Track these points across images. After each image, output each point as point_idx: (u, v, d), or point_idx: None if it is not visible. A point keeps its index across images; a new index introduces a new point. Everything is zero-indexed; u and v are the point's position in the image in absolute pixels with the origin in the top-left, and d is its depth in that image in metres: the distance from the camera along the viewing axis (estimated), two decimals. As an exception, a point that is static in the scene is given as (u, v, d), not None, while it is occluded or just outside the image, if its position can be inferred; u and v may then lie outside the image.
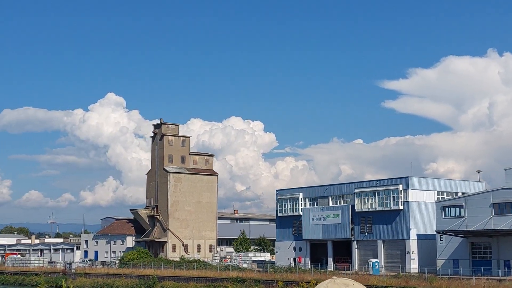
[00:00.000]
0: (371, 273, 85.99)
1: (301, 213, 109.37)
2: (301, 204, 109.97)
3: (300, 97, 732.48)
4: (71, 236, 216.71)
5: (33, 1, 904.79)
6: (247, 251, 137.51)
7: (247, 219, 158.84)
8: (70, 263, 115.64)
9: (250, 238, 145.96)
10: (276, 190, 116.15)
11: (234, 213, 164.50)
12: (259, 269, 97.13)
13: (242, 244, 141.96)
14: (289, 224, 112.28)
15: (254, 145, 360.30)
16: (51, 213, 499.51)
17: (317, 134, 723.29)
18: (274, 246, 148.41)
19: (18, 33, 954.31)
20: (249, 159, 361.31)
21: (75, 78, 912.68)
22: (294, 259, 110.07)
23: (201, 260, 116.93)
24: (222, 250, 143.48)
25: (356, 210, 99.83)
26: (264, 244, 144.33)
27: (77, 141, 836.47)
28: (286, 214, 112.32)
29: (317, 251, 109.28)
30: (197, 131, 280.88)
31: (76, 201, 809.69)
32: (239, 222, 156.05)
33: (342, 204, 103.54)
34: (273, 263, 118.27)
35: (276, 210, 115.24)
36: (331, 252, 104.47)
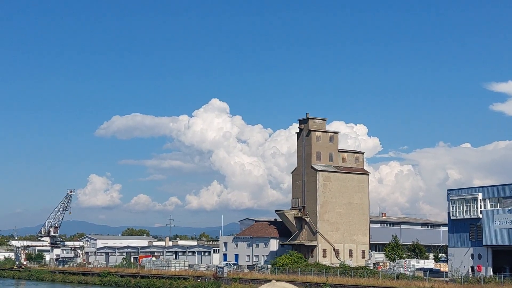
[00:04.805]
0: None
1: (480, 215, 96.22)
2: (481, 205, 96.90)
3: (404, 100, 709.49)
4: (203, 238, 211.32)
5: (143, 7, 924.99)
6: (400, 257, 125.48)
7: (398, 223, 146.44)
8: (222, 267, 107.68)
9: (402, 243, 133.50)
10: (448, 190, 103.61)
11: (382, 216, 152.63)
12: (446, 279, 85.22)
13: (394, 249, 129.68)
14: (465, 228, 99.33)
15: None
16: (169, 215, 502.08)
17: (422, 138, 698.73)
18: (428, 252, 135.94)
19: (127, 43, 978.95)
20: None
21: (180, 84, 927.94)
22: (472, 267, 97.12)
23: (367, 267, 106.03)
24: (371, 256, 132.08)
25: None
26: (418, 250, 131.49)
27: (182, 146, 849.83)
28: (461, 217, 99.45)
29: (499, 259, 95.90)
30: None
31: (182, 205, 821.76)
32: (389, 226, 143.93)
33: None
34: (438, 271, 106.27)
35: (448, 213, 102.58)
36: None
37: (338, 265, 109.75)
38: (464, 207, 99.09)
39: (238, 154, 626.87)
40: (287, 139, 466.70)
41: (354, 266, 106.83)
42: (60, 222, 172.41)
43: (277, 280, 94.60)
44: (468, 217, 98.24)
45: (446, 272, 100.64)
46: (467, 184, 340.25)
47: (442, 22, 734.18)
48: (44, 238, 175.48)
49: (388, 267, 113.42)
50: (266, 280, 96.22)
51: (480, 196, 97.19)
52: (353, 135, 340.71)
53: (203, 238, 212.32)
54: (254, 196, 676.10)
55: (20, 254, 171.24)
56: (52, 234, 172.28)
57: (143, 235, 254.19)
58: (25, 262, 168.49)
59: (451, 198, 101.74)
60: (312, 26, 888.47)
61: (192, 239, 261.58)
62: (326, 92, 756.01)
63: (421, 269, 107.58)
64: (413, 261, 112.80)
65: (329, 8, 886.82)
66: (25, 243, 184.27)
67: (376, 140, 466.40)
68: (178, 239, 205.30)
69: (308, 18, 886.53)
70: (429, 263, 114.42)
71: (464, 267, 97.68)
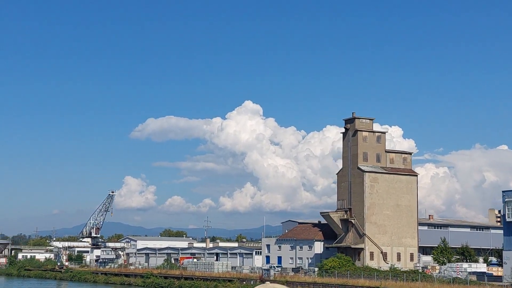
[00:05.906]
0: None
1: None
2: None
3: (440, 101, 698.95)
4: (244, 240, 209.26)
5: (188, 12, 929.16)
6: (449, 261, 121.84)
7: (446, 226, 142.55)
8: (268, 269, 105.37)
9: (451, 246, 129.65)
10: (503, 192, 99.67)
11: (429, 218, 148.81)
12: (506, 283, 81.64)
13: (443, 253, 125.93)
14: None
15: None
16: (206, 217, 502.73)
17: (458, 140, 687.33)
18: (478, 255, 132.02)
19: (163, 46, 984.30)
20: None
21: (213, 87, 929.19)
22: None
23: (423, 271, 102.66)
24: (420, 260, 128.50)
25: None
26: (467, 254, 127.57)
27: (216, 148, 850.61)
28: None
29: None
30: (333, 138, 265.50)
31: (216, 207, 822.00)
32: (437, 228, 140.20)
33: None
34: (491, 275, 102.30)
35: (504, 215, 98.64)
36: None
37: (388, 269, 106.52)
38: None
39: (271, 156, 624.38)
40: (320, 142, 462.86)
41: (408, 270, 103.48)
42: (101, 223, 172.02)
43: (323, 283, 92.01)
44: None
45: (501, 276, 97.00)
46: (504, 186, 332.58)
47: (478, 24, 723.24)
48: (85, 239, 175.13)
49: (438, 271, 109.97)
50: (315, 284, 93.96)
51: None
52: (388, 137, 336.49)
53: (243, 240, 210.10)
54: (287, 198, 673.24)
55: (61, 255, 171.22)
56: (93, 235, 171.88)
57: (182, 237, 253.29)
58: (66, 263, 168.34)
59: (506, 199, 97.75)
60: (347, 29, 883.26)
61: (228, 240, 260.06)
62: (361, 94, 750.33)
63: (473, 273, 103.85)
64: (465, 265, 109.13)
65: (361, 11, 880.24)
66: (66, 243, 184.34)
67: (411, 142, 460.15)
68: (218, 240, 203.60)
69: (341, 20, 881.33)
70: (481, 267, 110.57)
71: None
